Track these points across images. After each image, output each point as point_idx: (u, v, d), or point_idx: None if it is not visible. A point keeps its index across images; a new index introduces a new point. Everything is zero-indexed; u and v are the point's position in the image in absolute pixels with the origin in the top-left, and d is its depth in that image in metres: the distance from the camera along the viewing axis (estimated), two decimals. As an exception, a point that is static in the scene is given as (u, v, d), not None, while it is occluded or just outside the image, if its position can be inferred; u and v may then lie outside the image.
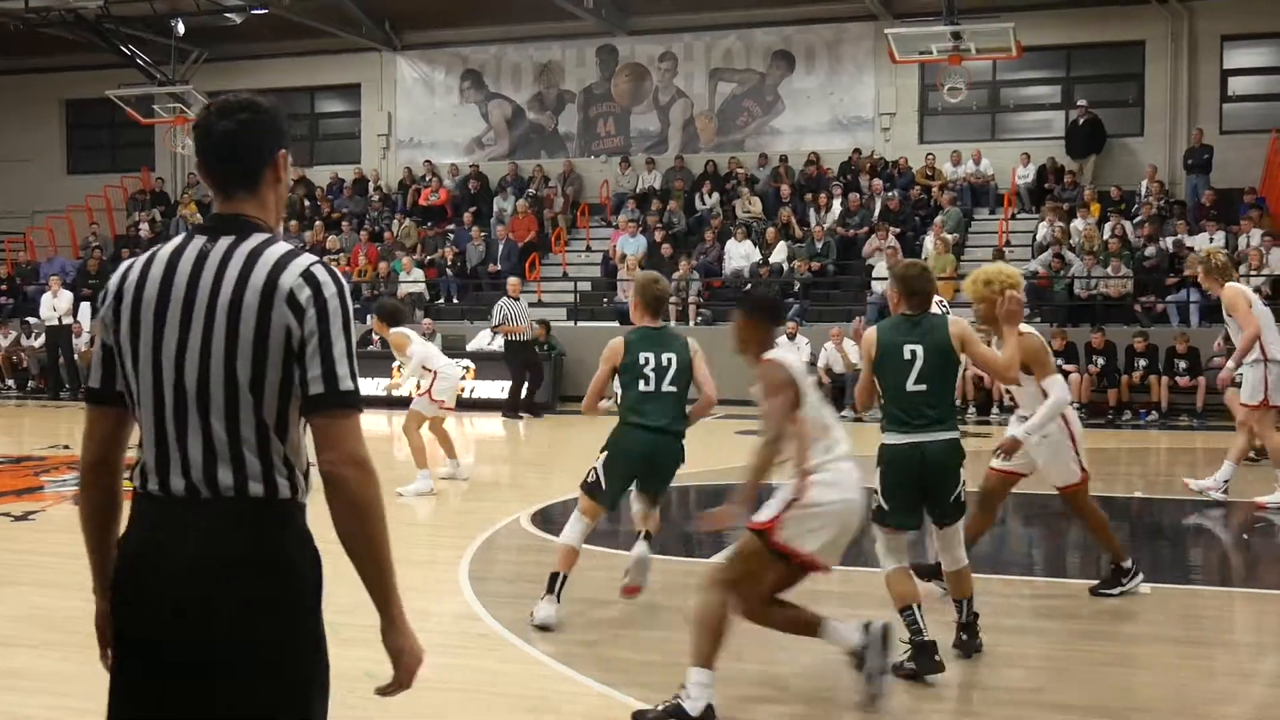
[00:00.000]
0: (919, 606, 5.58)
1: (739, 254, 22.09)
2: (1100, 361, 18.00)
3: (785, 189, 23.74)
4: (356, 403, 2.63)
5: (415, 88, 27.75)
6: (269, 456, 2.62)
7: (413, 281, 23.17)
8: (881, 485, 5.73)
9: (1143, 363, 17.88)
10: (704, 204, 24.37)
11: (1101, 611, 7.19)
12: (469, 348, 20.60)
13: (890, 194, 22.85)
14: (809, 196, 23.54)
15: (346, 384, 2.60)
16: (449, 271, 23.86)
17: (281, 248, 2.65)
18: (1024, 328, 6.31)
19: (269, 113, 2.73)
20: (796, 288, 21.36)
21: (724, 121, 26.13)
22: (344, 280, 2.69)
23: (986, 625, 6.85)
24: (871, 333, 6.03)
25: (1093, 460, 12.70)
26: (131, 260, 2.73)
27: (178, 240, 2.71)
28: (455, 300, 23.48)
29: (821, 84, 25.43)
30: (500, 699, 5.46)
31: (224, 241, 2.65)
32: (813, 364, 18.98)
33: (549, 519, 9.62)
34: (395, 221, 25.33)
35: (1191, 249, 19.79)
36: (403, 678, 2.73)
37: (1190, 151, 22.38)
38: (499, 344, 19.41)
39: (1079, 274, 19.97)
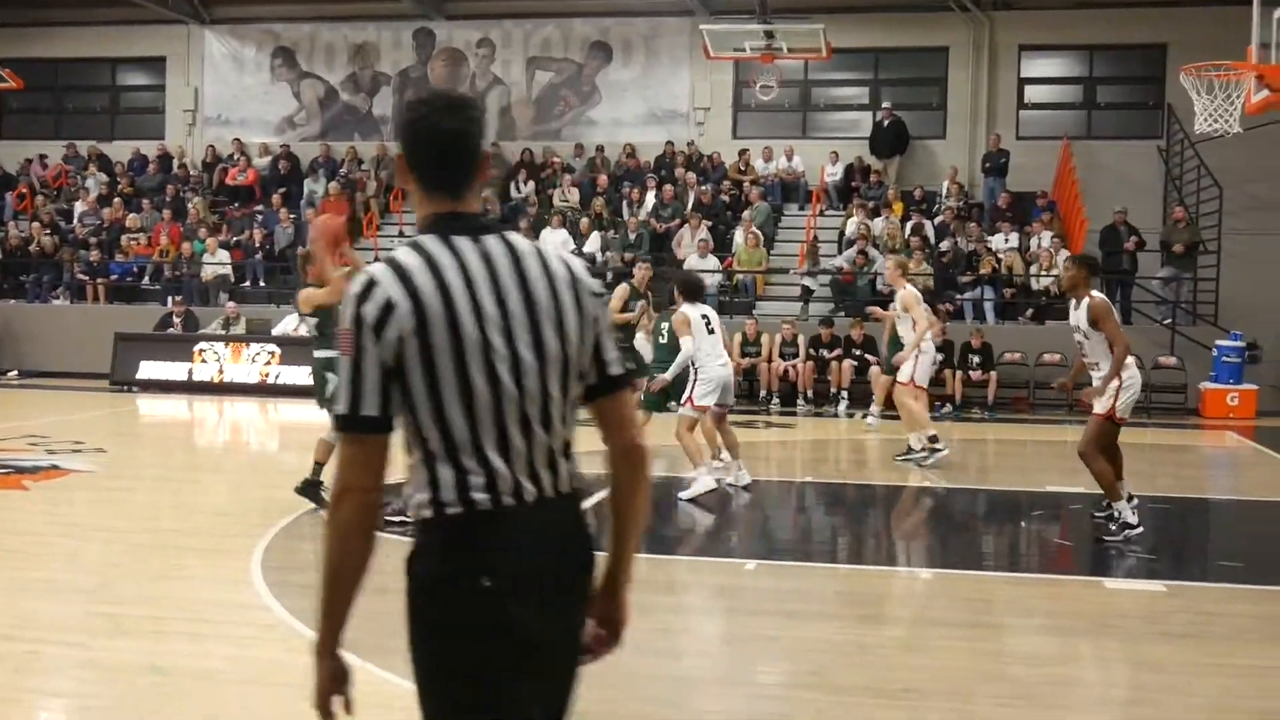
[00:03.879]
0: None
1: (553, 243, 22.12)
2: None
3: (602, 180, 23.86)
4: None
5: (224, 63, 26.96)
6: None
7: (217, 263, 22.55)
8: None
9: (939, 357, 18.50)
10: (519, 192, 24.32)
11: (888, 596, 7.48)
12: (274, 332, 20.17)
13: (703, 188, 23.18)
14: (625, 188, 23.71)
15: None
16: (257, 254, 23.29)
17: (538, 244, 2.72)
18: None
19: (483, 111, 2.75)
20: (609, 278, 21.48)
21: (541, 110, 26.12)
22: None
23: (771, 612, 7.06)
24: None
25: (889, 454, 13.23)
26: (395, 273, 2.52)
27: (454, 245, 2.60)
28: (262, 284, 22.92)
29: (638, 77, 25.65)
30: (289, 689, 5.39)
31: (509, 240, 2.65)
32: (623, 354, 19.12)
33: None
34: (198, 200, 24.58)
35: (990, 249, 20.63)
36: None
37: (988, 155, 23.29)
38: (305, 329, 19.01)
39: (881, 270, 20.57)
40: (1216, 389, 18.34)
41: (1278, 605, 7.22)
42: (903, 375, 12.68)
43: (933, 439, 12.48)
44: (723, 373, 10.53)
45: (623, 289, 12.22)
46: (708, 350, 10.45)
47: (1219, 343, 18.71)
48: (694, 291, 10.82)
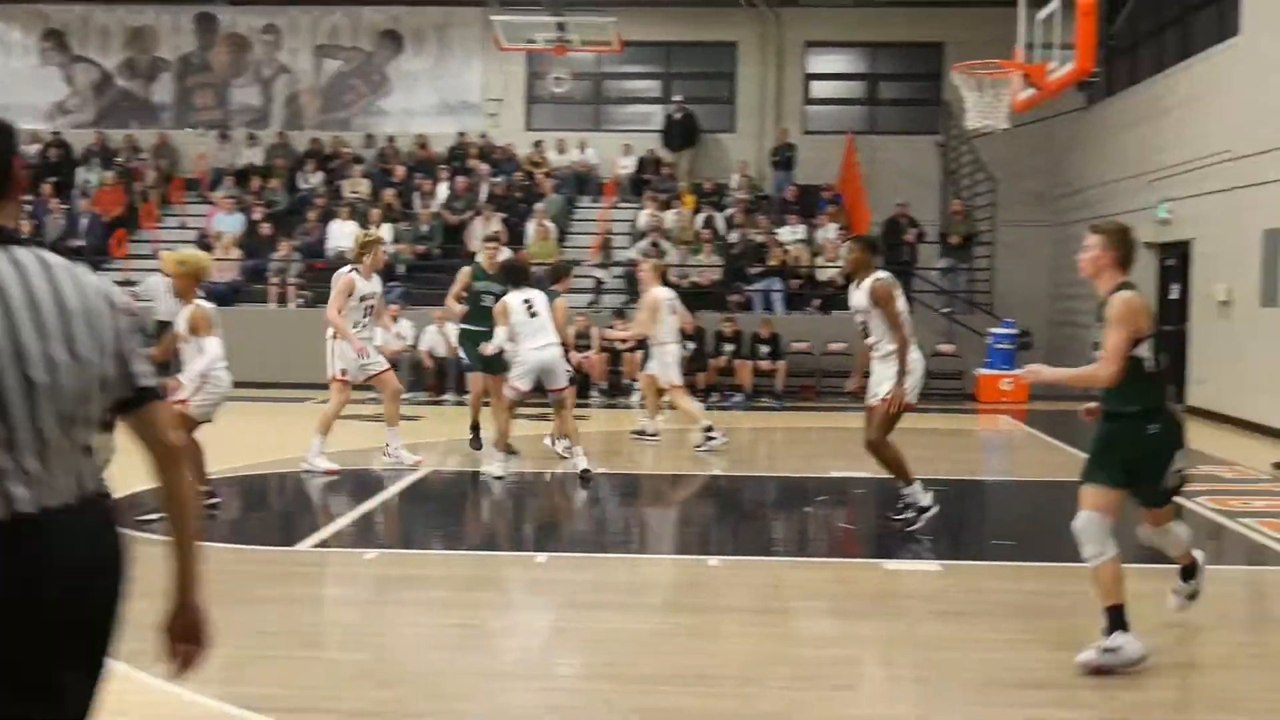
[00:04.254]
0: None
1: (342, 235, 21.66)
2: (690, 346, 18.82)
3: (396, 171, 23.49)
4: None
5: (-12, 46, 25.60)
6: None
7: (-16, 256, 21.37)
8: None
9: (729, 347, 18.88)
10: (307, 183, 23.74)
11: (679, 584, 7.57)
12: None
13: (497, 179, 23.06)
14: (416, 179, 23.40)
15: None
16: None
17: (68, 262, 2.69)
18: None
19: (13, 129, 2.72)
20: (400, 270, 21.19)
21: (330, 99, 25.58)
22: None
23: (564, 604, 7.07)
24: None
25: (679, 443, 13.41)
26: None
27: None
28: (33, 277, 21.80)
29: (430, 66, 25.36)
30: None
31: (40, 255, 2.62)
32: (414, 347, 18.92)
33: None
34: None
35: (778, 241, 21.09)
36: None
37: (776, 149, 23.81)
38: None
39: (673, 262, 20.83)
40: (991, 375, 19.16)
41: (1043, 581, 7.57)
42: (663, 380, 13.41)
43: (708, 429, 12.98)
44: (536, 356, 10.71)
45: (463, 273, 12.06)
46: (526, 334, 10.69)
47: (993, 330, 19.54)
48: (515, 276, 11.12)
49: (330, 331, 11.11)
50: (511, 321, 10.69)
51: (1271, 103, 14.97)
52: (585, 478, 10.86)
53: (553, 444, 12.16)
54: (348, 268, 11.30)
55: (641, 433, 13.82)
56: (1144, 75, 19.91)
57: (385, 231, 21.57)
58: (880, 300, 8.62)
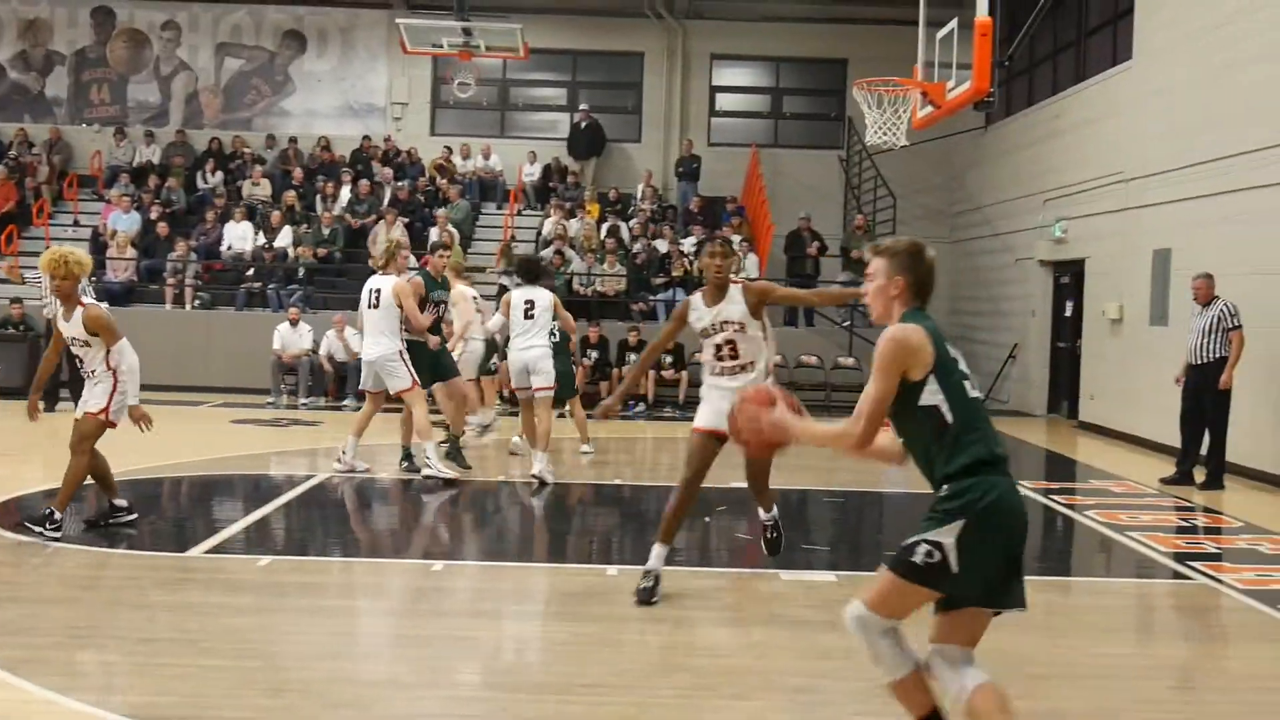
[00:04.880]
0: None
1: (239, 235, 21.36)
2: (595, 355, 18.87)
3: (297, 172, 23.19)
4: None
5: (-128, 34, 24.81)
6: None
7: None
8: None
9: (633, 356, 18.89)
10: (206, 183, 23.35)
11: (578, 594, 7.54)
12: (-68, 326, 18.68)
13: (400, 184, 22.87)
14: (319, 181, 23.12)
15: None
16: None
17: None
18: None
19: None
20: (301, 274, 20.93)
21: (231, 98, 25.18)
22: None
23: (461, 613, 7.02)
24: None
25: (576, 454, 13.38)
26: None
27: None
28: (-83, 273, 21.14)
29: (334, 68, 25.10)
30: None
31: None
32: (315, 351, 18.69)
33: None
34: None
35: (682, 251, 21.18)
36: None
37: (681, 160, 23.93)
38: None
39: (578, 271, 20.84)
40: (889, 388, 19.33)
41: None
42: (467, 372, 12.71)
43: (485, 427, 12.96)
44: (518, 356, 11.29)
45: (416, 284, 11.45)
46: (518, 333, 11.27)
47: (892, 344, 19.72)
48: (528, 273, 11.55)
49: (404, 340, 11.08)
50: (510, 318, 11.28)
51: (1161, 126, 15.38)
52: (541, 483, 11.15)
53: (522, 441, 12.38)
54: (404, 275, 11.27)
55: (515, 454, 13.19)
56: (1041, 97, 20.35)
57: (285, 234, 21.30)
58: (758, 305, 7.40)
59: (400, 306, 10.86)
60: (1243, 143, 13.27)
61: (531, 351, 11.24)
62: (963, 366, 4.27)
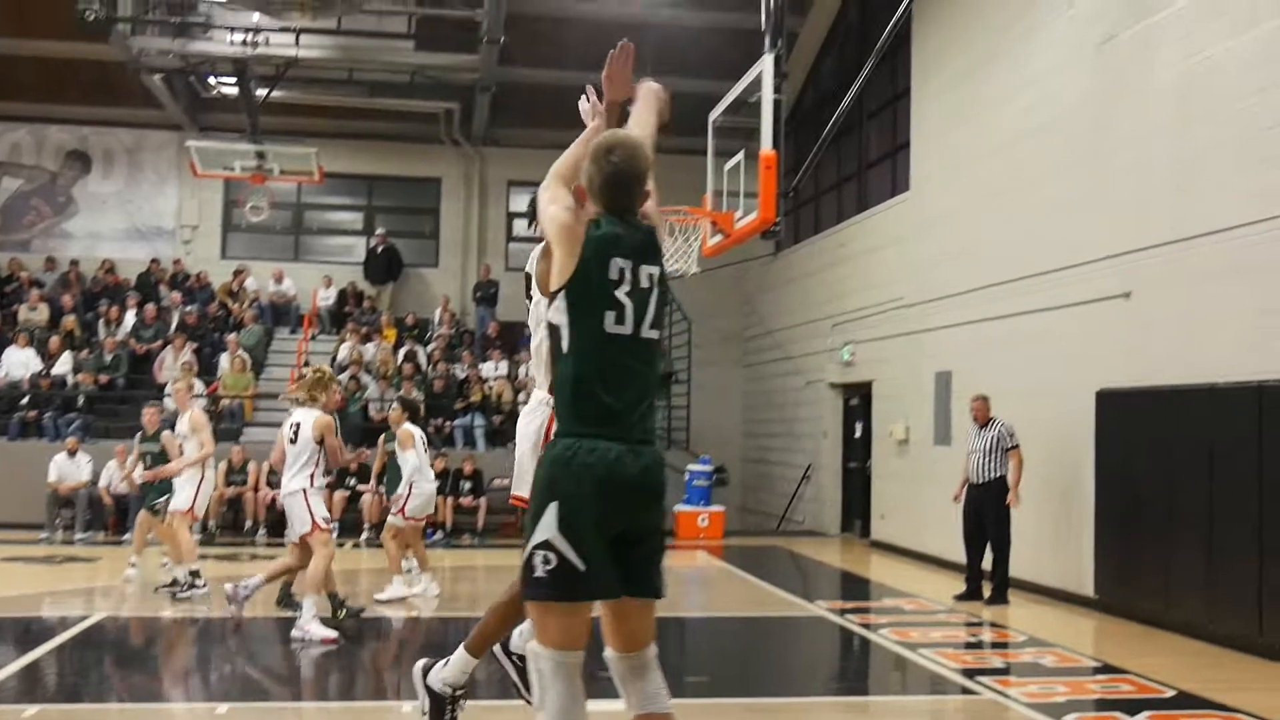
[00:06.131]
0: None
1: (18, 362, 20.41)
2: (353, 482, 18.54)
3: (65, 298, 22.30)
4: None
5: None
6: None
7: None
8: None
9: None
10: (-21, 307, 22.32)
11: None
12: None
13: (189, 308, 22.27)
14: (102, 306, 22.33)
15: None
16: None
17: None
18: None
19: None
20: (80, 401, 20.06)
21: (9, 219, 24.26)
22: None
23: None
24: None
25: (377, 581, 13.03)
26: None
27: None
28: None
29: (120, 190, 24.48)
30: None
31: None
32: (94, 483, 17.86)
33: None
34: None
35: (480, 376, 21.09)
36: None
37: (479, 285, 23.98)
38: None
39: (372, 397, 20.52)
40: (689, 511, 19.54)
41: (738, 716, 7.66)
42: (182, 502, 12.04)
43: (194, 573, 11.89)
44: (430, 489, 12.15)
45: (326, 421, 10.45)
46: (424, 467, 12.05)
47: (690, 467, 20.01)
48: (416, 412, 12.51)
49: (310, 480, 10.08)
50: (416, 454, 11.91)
51: (937, 253, 16.13)
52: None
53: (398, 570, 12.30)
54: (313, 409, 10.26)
55: (175, 583, 12.11)
56: (826, 225, 21.15)
57: (65, 360, 20.47)
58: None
59: (319, 444, 10.16)
60: (1014, 268, 13.99)
61: (434, 485, 12.49)
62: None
